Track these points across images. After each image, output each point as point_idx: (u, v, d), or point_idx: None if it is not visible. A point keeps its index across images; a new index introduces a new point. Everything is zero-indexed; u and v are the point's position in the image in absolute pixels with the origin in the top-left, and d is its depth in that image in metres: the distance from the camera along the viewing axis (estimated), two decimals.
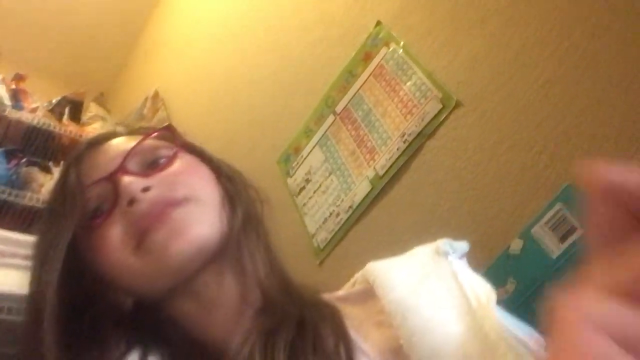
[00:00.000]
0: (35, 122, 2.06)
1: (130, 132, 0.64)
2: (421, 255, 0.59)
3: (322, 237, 1.37)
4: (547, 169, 0.92)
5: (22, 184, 1.86)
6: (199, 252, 0.53)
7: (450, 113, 1.15)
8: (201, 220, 0.54)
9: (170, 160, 0.58)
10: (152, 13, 2.85)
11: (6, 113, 1.97)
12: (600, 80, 0.88)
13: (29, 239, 1.56)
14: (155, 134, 0.61)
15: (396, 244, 1.16)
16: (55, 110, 2.27)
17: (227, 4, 2.23)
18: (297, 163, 1.55)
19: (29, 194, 1.81)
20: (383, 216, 1.26)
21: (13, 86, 2.24)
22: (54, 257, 0.52)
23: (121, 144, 0.60)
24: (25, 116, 2.04)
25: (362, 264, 0.67)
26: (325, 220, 1.38)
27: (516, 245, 0.76)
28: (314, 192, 1.45)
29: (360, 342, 0.53)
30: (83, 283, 0.56)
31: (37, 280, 0.53)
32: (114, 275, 0.54)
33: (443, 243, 0.58)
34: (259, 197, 0.65)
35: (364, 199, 1.29)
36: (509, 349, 0.46)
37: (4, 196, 1.73)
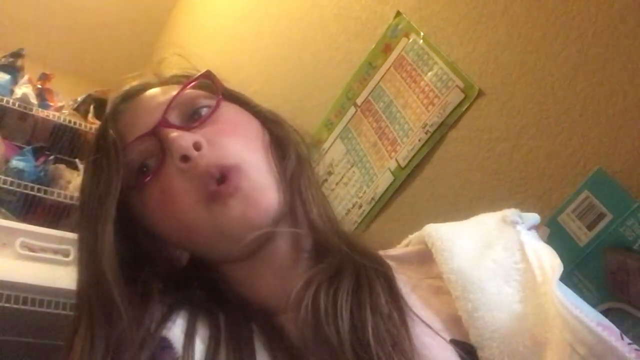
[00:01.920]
0: (61, 120, 2.10)
1: (165, 82, 0.62)
2: (486, 223, 0.56)
3: (345, 229, 1.37)
4: (574, 156, 0.90)
5: (50, 180, 1.91)
6: (272, 217, 0.52)
7: (472, 102, 1.14)
8: (265, 184, 0.53)
9: (213, 110, 0.55)
10: (174, 10, 2.88)
11: (33, 112, 2.02)
12: (627, 65, 0.87)
13: (58, 233, 1.61)
14: (194, 82, 0.58)
15: None
16: (81, 108, 2.32)
17: (245, 0, 2.24)
18: (319, 156, 1.55)
19: (56, 191, 1.85)
20: (406, 207, 1.26)
21: (39, 85, 2.28)
22: (104, 216, 0.51)
23: (158, 95, 0.57)
24: (51, 114, 2.08)
25: (383, 250, 0.66)
26: (348, 212, 1.38)
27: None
28: (336, 184, 1.45)
29: (416, 307, 0.51)
30: (137, 242, 0.55)
31: (91, 241, 0.51)
32: (180, 228, 0.52)
33: (511, 212, 0.56)
34: (304, 139, 0.63)
35: (386, 190, 1.29)
36: (566, 327, 0.44)
37: (33, 192, 1.77)
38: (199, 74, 0.60)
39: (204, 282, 0.57)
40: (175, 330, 0.48)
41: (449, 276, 0.51)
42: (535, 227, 0.59)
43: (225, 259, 0.56)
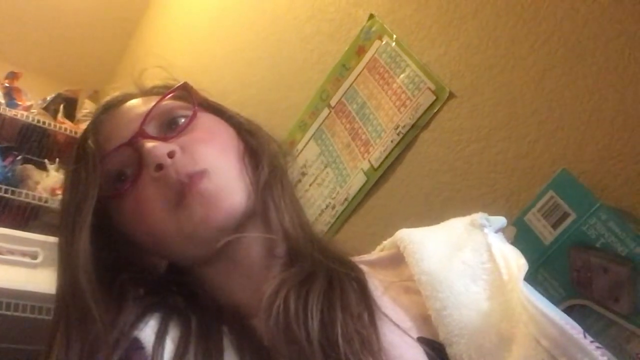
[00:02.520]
0: (30, 119, 2.05)
1: (145, 93, 0.63)
2: (455, 227, 0.58)
3: (318, 229, 1.38)
4: (541, 157, 0.93)
5: (18, 181, 1.86)
6: (235, 219, 0.53)
7: (443, 104, 1.15)
8: (232, 188, 0.54)
9: (189, 121, 0.57)
10: (146, 10, 2.84)
11: (0, 111, 1.97)
12: (592, 68, 0.89)
13: (26, 235, 1.57)
14: (171, 94, 0.60)
15: (392, 236, 1.17)
16: (50, 108, 2.27)
17: (223, 2, 2.23)
18: (293, 157, 1.55)
19: (24, 192, 1.81)
20: (378, 208, 1.27)
21: (6, 84, 2.23)
22: (80, 223, 0.52)
23: (137, 106, 0.59)
24: (19, 114, 2.04)
25: (359, 255, 0.67)
26: (322, 212, 1.39)
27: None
28: (310, 185, 1.46)
29: (387, 308, 0.52)
30: (116, 249, 0.56)
31: (68, 246, 0.52)
32: (152, 234, 0.54)
33: (479, 216, 0.58)
34: (281, 149, 0.65)
35: (359, 191, 1.30)
36: (531, 321, 0.46)
37: (0, 193, 1.73)
38: (176, 85, 0.62)
39: (180, 287, 0.57)
40: (147, 331, 0.49)
41: (419, 277, 0.53)
42: (502, 230, 0.61)
43: (198, 263, 0.57)
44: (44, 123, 2.10)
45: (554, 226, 0.73)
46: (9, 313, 1.41)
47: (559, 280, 0.71)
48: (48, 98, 2.33)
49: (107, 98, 0.65)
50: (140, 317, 0.50)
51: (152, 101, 0.59)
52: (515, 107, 1.01)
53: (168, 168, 0.52)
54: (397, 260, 0.58)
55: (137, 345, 0.48)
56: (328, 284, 0.52)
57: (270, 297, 0.50)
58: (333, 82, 1.50)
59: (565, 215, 0.72)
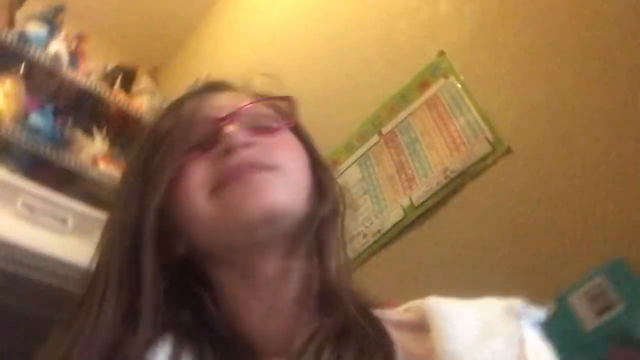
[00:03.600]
0: (87, 85, 2.09)
1: (249, 93, 0.63)
2: (491, 309, 0.54)
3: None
4: (594, 235, 0.88)
5: (64, 144, 1.90)
6: (272, 219, 0.51)
7: (499, 158, 1.12)
8: (283, 190, 0.52)
9: (276, 129, 0.57)
10: (219, 2, 2.89)
11: (62, 71, 2.01)
12: None
13: (60, 200, 1.59)
14: (274, 100, 0.61)
15: (417, 280, 1.13)
16: (109, 77, 2.31)
17: (291, 5, 2.25)
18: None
19: (68, 155, 1.84)
20: (410, 248, 1.24)
21: (73, 45, 2.28)
22: (159, 180, 0.52)
23: (237, 97, 0.60)
24: (79, 77, 2.08)
25: (380, 291, 0.65)
26: (352, 239, 1.37)
27: (547, 309, 0.73)
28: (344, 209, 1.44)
29: None
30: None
31: (138, 200, 0.52)
32: (183, 214, 0.53)
33: (519, 304, 0.55)
34: (344, 199, 0.64)
35: (394, 225, 1.28)
36: None
37: (46, 153, 1.76)
38: (283, 95, 0.62)
39: (197, 300, 0.56)
40: (161, 356, 0.48)
41: (442, 358, 0.50)
42: (541, 324, 0.58)
43: (220, 260, 0.55)
44: (100, 91, 2.13)
45: (599, 313, 0.69)
46: (28, 274, 1.42)
47: None
48: (108, 66, 2.37)
49: (212, 80, 0.67)
50: (154, 338, 0.49)
51: (252, 99, 0.60)
52: (575, 177, 0.97)
53: (235, 155, 0.52)
54: (422, 328, 0.56)
55: None
56: (360, 348, 0.50)
57: (302, 346, 0.48)
58: (389, 110, 1.48)
59: (612, 305, 0.68)
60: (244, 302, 0.54)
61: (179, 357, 0.49)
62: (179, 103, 0.60)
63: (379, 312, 0.58)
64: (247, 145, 0.53)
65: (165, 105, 0.62)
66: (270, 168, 0.52)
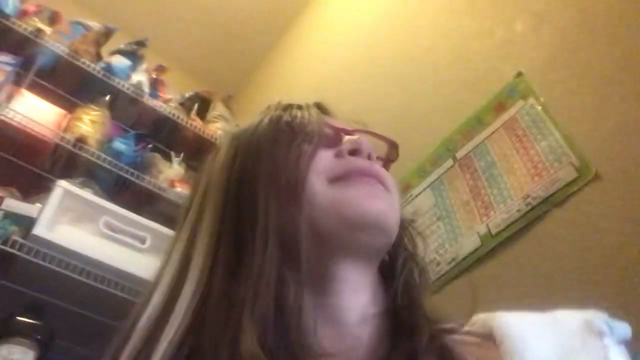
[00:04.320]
0: (167, 111, 2.19)
1: (350, 122, 0.65)
2: (567, 325, 0.49)
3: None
4: None
5: (144, 167, 1.99)
6: (383, 225, 0.52)
7: (585, 185, 1.05)
8: (394, 209, 0.55)
9: (390, 160, 0.62)
10: (291, 26, 2.95)
11: (144, 99, 2.12)
12: None
13: (139, 219, 1.67)
14: (384, 137, 0.64)
15: (494, 311, 1.07)
16: (186, 104, 2.41)
17: (365, 29, 2.26)
18: (405, 201, 1.50)
19: (147, 178, 1.92)
20: (487, 278, 1.17)
21: (154, 75, 2.41)
22: (302, 170, 0.54)
23: (344, 122, 0.63)
24: (159, 105, 2.18)
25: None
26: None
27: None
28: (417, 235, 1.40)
29: None
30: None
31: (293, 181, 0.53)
32: (300, 192, 0.53)
33: (601, 319, 0.49)
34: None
35: (470, 254, 1.22)
36: None
37: (127, 175, 1.85)
38: (392, 139, 0.65)
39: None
40: None
41: None
42: (627, 342, 0.50)
43: (312, 255, 0.53)
44: (178, 117, 2.23)
45: None
46: (108, 289, 1.49)
47: None
48: (186, 95, 2.48)
49: (318, 101, 0.70)
50: None
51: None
52: None
53: (360, 158, 0.55)
54: (489, 344, 0.51)
55: None
56: None
57: None
58: (464, 134, 1.43)
59: None
60: (310, 310, 0.52)
61: None
62: (293, 107, 0.62)
63: (444, 324, 0.54)
64: (370, 157, 0.57)
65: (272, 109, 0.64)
66: (387, 189, 0.55)
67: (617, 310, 0.86)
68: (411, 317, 0.52)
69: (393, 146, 0.64)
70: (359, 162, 0.55)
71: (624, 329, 0.49)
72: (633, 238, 0.93)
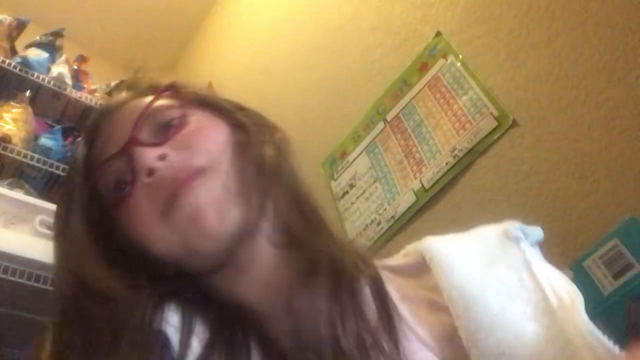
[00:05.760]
0: (93, 102, 2.12)
1: (140, 94, 0.60)
2: (487, 238, 0.53)
3: (361, 244, 1.37)
4: (605, 199, 0.88)
5: None
6: (225, 239, 0.50)
7: (505, 132, 1.12)
8: (221, 197, 0.51)
9: (181, 124, 0.55)
10: (212, 7, 2.90)
11: (67, 92, 2.04)
12: None
13: None
14: (162, 97, 0.58)
15: None
16: (113, 93, 2.34)
17: (287, 3, 2.25)
18: (343, 167, 1.55)
19: None
20: (424, 230, 1.23)
21: (75, 66, 2.31)
22: (72, 241, 0.52)
23: (130, 111, 0.57)
24: (84, 96, 2.11)
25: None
26: (366, 227, 1.37)
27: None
28: (357, 198, 1.44)
29: (410, 322, 0.48)
30: (126, 253, 0.54)
31: (68, 257, 0.53)
32: (149, 245, 0.52)
33: (514, 227, 0.52)
34: (273, 138, 0.60)
35: (407, 210, 1.28)
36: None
37: (58, 171, 1.79)
38: (164, 87, 0.60)
39: (194, 288, 0.55)
40: (171, 328, 0.47)
41: (449, 293, 0.47)
42: (540, 244, 0.55)
43: (205, 269, 0.55)
44: None
45: (615, 276, 0.69)
46: (40, 285, 1.45)
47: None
48: (112, 83, 2.40)
49: (104, 104, 0.65)
50: (158, 306, 0.48)
51: (145, 103, 0.57)
52: (582, 143, 0.97)
53: (160, 170, 0.51)
54: (421, 269, 0.54)
55: (165, 343, 0.45)
56: (335, 279, 0.48)
57: (275, 300, 0.49)
58: (391, 96, 1.48)
59: (628, 267, 0.68)
60: (232, 282, 0.53)
61: (190, 329, 0.48)
62: (77, 151, 0.58)
63: (377, 262, 0.57)
64: (163, 156, 0.52)
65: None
66: (198, 171, 0.51)
67: (545, 234, 0.94)
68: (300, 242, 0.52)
69: (173, 89, 0.59)
70: (160, 180, 0.51)
71: (537, 232, 0.53)
72: (550, 176, 1.00)
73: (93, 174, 0.54)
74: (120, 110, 0.59)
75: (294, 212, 0.54)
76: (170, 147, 0.53)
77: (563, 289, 0.47)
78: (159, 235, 0.51)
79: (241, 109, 0.63)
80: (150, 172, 0.51)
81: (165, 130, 0.55)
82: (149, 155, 0.52)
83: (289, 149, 0.60)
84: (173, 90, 0.60)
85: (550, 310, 0.45)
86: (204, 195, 0.50)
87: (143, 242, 0.52)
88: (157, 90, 0.60)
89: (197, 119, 0.57)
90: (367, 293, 0.49)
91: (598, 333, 0.43)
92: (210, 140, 0.55)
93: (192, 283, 0.54)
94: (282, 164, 0.57)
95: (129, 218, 0.52)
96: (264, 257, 0.53)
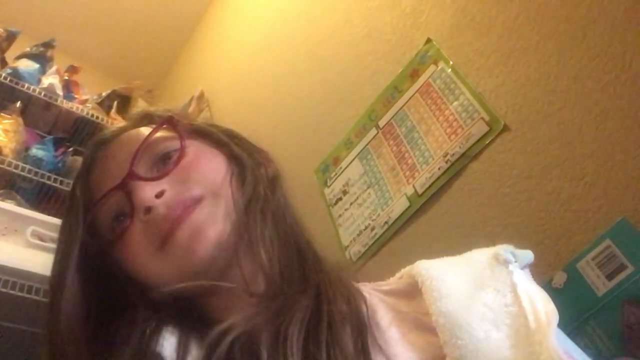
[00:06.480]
0: (84, 113, 2.12)
1: (136, 124, 0.62)
2: (478, 261, 0.54)
3: (356, 249, 1.37)
4: (597, 201, 0.89)
5: (67, 171, 1.92)
6: (220, 248, 0.52)
7: (496, 136, 1.12)
8: (218, 215, 0.53)
9: (179, 157, 0.56)
10: (204, 16, 2.91)
11: (58, 102, 2.04)
12: None
13: None
14: (159, 130, 0.59)
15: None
16: (104, 103, 2.34)
17: (279, 11, 2.26)
18: (336, 174, 1.55)
19: (72, 182, 1.85)
20: (418, 235, 1.24)
21: (66, 77, 2.31)
22: (66, 278, 0.53)
23: (128, 143, 0.58)
24: (75, 107, 2.11)
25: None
26: (360, 233, 1.37)
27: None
28: (351, 204, 1.44)
29: (393, 344, 0.49)
30: (120, 286, 0.55)
31: (56, 293, 0.54)
32: (143, 279, 0.54)
33: (504, 250, 0.54)
34: (268, 173, 0.62)
35: (400, 215, 1.28)
36: None
37: (49, 182, 1.78)
38: (161, 121, 0.60)
39: (187, 311, 0.56)
40: (168, 348, 0.48)
41: (437, 319, 0.49)
42: (529, 266, 0.57)
43: (197, 297, 0.56)
44: (97, 117, 2.16)
45: (609, 277, 0.69)
46: (40, 299, 1.44)
47: (609, 334, 0.67)
48: (103, 94, 2.40)
49: (100, 134, 0.65)
50: (156, 330, 0.49)
51: (142, 135, 0.58)
52: (573, 146, 0.97)
53: (157, 208, 0.52)
54: (414, 292, 0.55)
55: None
56: (310, 321, 0.49)
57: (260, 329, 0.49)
58: (383, 102, 1.48)
59: (621, 267, 0.68)
60: (218, 308, 0.55)
61: (186, 350, 0.49)
62: (74, 186, 0.59)
63: (368, 285, 0.58)
64: (161, 193, 0.53)
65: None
66: (197, 200, 0.53)
67: (535, 243, 0.94)
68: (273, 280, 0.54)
69: (170, 123, 0.60)
70: (158, 218, 0.52)
71: (527, 255, 0.55)
72: (542, 179, 1.01)
73: (91, 209, 0.55)
74: (116, 142, 0.60)
75: (282, 250, 0.55)
76: (168, 181, 0.54)
77: (542, 309, 0.48)
78: (156, 270, 0.53)
79: (235, 138, 0.64)
80: (148, 210, 0.52)
81: (164, 162, 0.56)
82: (146, 193, 0.53)
83: (283, 183, 0.62)
84: (170, 121, 0.60)
85: (529, 333, 0.46)
86: (202, 217, 0.52)
87: (140, 277, 0.54)
88: (152, 120, 0.60)
89: (195, 150, 0.58)
90: (347, 332, 0.49)
91: (562, 357, 0.44)
92: (210, 169, 0.56)
93: (188, 306, 0.56)
94: (273, 201, 0.58)
95: (126, 253, 0.54)
96: (241, 306, 0.53)
